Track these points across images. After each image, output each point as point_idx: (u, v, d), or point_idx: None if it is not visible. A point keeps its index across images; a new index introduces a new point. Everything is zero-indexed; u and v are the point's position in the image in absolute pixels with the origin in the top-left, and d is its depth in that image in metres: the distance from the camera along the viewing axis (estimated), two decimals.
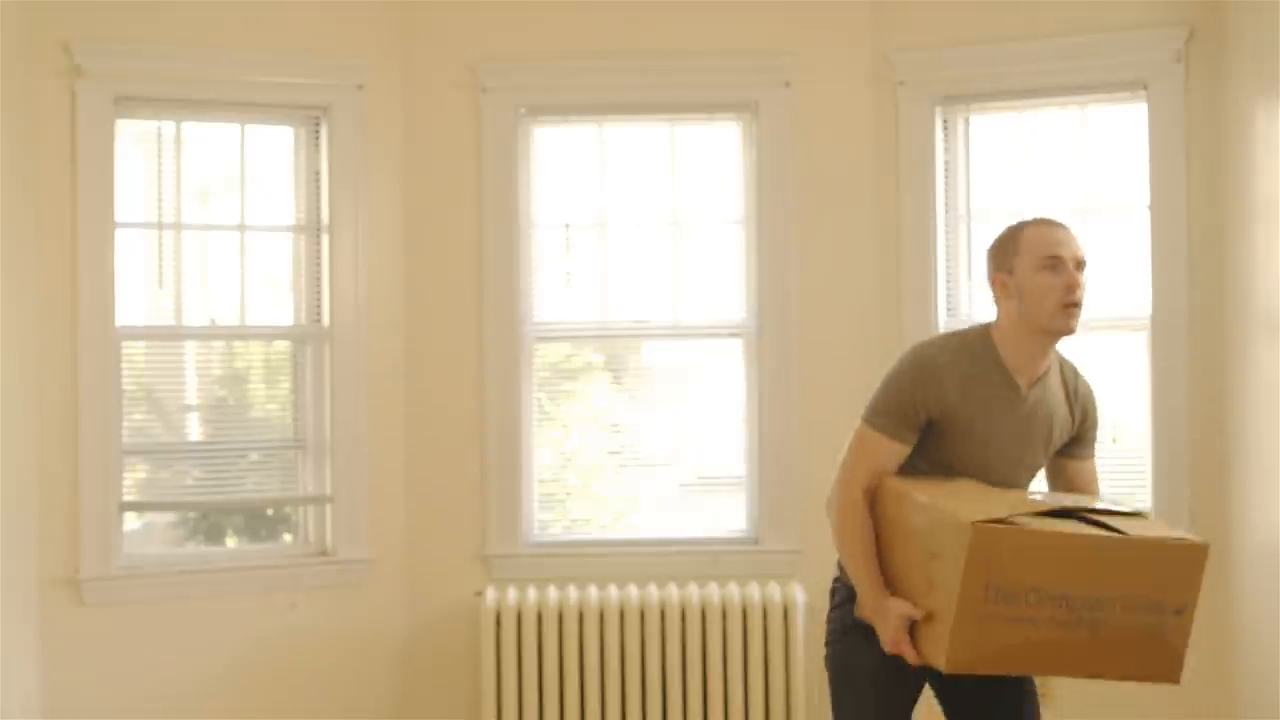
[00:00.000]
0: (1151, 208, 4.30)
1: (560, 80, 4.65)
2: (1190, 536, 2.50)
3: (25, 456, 4.09)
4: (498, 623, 4.34)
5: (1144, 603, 2.46)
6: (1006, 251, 2.73)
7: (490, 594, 4.38)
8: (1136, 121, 4.35)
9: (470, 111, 4.60)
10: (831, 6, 4.61)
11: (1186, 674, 4.51)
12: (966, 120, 4.58)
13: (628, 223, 4.71)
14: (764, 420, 4.58)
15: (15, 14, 4.04)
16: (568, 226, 4.74)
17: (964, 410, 2.67)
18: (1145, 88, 4.31)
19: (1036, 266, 2.66)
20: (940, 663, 2.47)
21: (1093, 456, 2.82)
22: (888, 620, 2.59)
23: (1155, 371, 4.29)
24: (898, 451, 2.69)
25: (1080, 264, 2.69)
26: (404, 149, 4.61)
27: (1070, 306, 2.64)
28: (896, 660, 2.63)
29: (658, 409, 4.75)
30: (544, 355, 4.75)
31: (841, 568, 2.81)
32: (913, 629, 2.56)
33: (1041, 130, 4.54)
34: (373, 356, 4.55)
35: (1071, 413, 2.78)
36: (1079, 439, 2.81)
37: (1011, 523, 2.43)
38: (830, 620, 2.87)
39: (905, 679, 2.71)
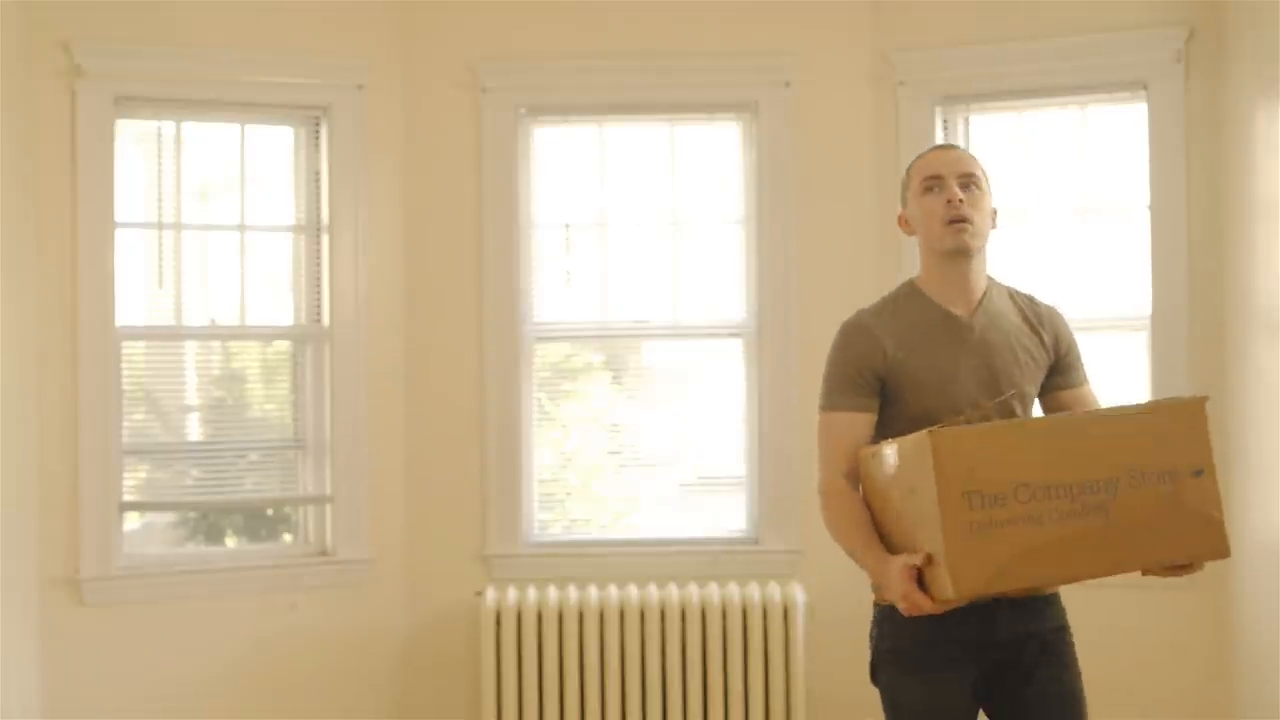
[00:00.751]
0: (1151, 208, 4.30)
1: (560, 80, 4.65)
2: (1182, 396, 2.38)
3: (25, 456, 4.10)
4: (498, 623, 4.34)
5: (1153, 472, 2.28)
6: (902, 187, 2.70)
7: (490, 594, 4.38)
8: (1136, 121, 4.35)
9: (470, 111, 4.60)
10: (831, 6, 4.61)
11: (1187, 674, 4.53)
12: (966, 120, 4.58)
13: (628, 223, 4.71)
14: (764, 420, 4.58)
15: (15, 14, 4.04)
16: (568, 226, 4.74)
17: (909, 359, 2.56)
18: (1145, 88, 4.31)
19: (919, 191, 2.62)
20: (949, 593, 2.23)
21: (1086, 383, 2.67)
22: (891, 579, 2.34)
23: (1155, 371, 4.29)
24: (861, 421, 2.57)
25: (967, 178, 2.60)
26: (404, 149, 4.61)
27: (953, 222, 2.56)
28: (944, 697, 2.50)
29: (658, 409, 4.75)
30: (544, 355, 4.75)
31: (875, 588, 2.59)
32: (923, 581, 2.31)
33: (1041, 130, 4.54)
34: (373, 356, 4.55)
35: (1038, 335, 2.63)
36: (1060, 366, 2.65)
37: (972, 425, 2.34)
38: (870, 646, 2.63)
39: (956, 714, 2.53)
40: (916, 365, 2.55)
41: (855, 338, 2.61)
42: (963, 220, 2.56)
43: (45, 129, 4.21)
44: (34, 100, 4.17)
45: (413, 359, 4.60)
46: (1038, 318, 2.65)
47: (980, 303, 2.62)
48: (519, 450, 4.59)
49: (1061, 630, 2.57)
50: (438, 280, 4.62)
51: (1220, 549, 2.31)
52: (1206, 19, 4.20)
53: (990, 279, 2.67)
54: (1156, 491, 2.28)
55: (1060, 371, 2.64)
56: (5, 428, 3.91)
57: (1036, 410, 2.67)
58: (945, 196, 2.57)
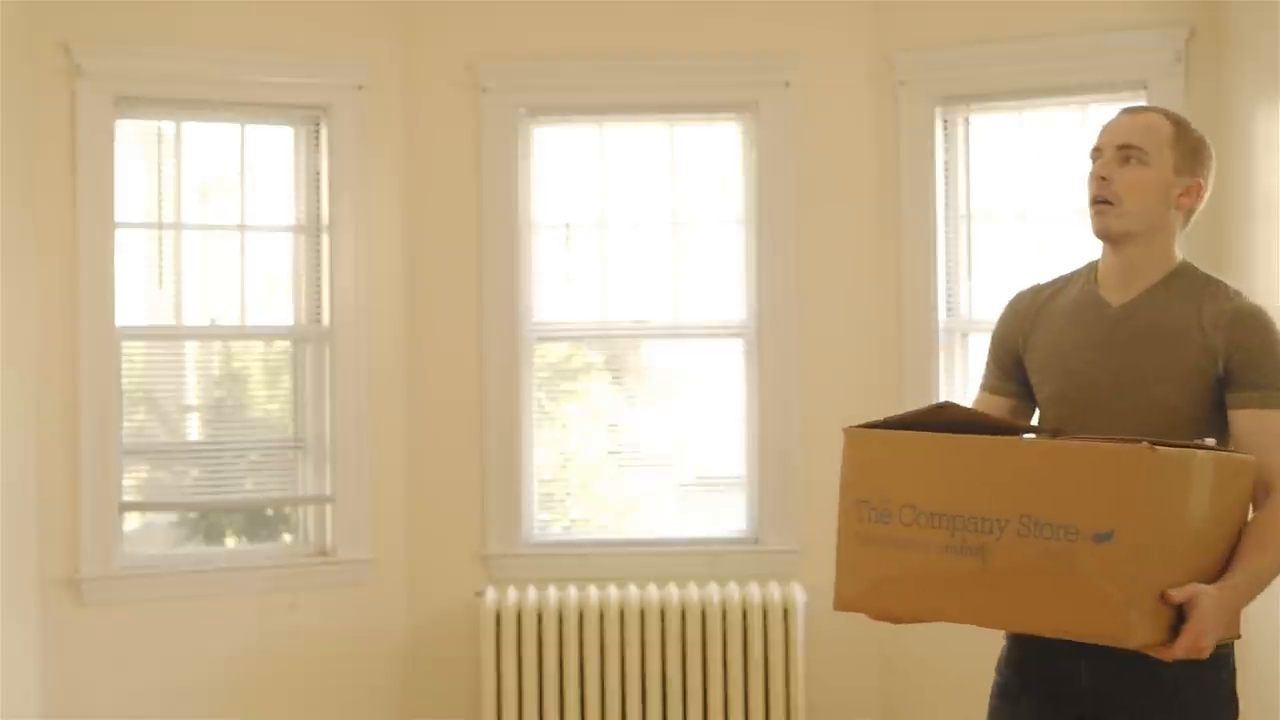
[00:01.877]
0: None
1: (560, 80, 4.65)
2: (1142, 441, 1.90)
3: (25, 456, 4.09)
4: (498, 623, 4.34)
5: (1048, 524, 1.88)
6: None
7: (490, 594, 4.38)
8: None
9: (470, 111, 4.60)
10: (831, 6, 4.61)
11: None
12: (966, 120, 4.58)
13: (628, 223, 4.71)
14: (764, 420, 4.58)
15: (15, 14, 4.04)
16: (568, 226, 4.74)
17: (1041, 337, 2.36)
18: (1145, 88, 4.30)
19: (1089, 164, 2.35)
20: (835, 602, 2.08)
21: (1263, 406, 2.18)
22: None
23: None
24: (990, 402, 2.40)
25: (1126, 150, 2.27)
26: (404, 149, 4.61)
27: (1095, 203, 2.29)
28: None
29: (658, 409, 4.75)
30: (544, 355, 4.75)
31: None
32: None
33: (1041, 130, 4.54)
34: (373, 356, 4.55)
35: (1203, 339, 2.23)
36: (1230, 379, 2.21)
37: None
38: None
39: None
40: (1044, 345, 2.36)
41: (1005, 313, 2.45)
42: (1103, 201, 2.28)
43: (45, 129, 4.21)
44: (34, 100, 4.17)
45: (413, 359, 4.60)
46: (1209, 316, 2.25)
47: (1146, 293, 2.29)
48: (519, 450, 4.59)
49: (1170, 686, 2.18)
50: (438, 280, 4.62)
51: (1118, 632, 1.86)
52: (1206, 19, 4.20)
53: (1184, 268, 2.31)
54: (1046, 548, 1.88)
55: (1229, 387, 2.22)
56: (5, 428, 3.91)
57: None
58: (1094, 173, 2.31)
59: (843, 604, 2.07)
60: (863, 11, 4.60)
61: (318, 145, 4.57)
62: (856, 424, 2.08)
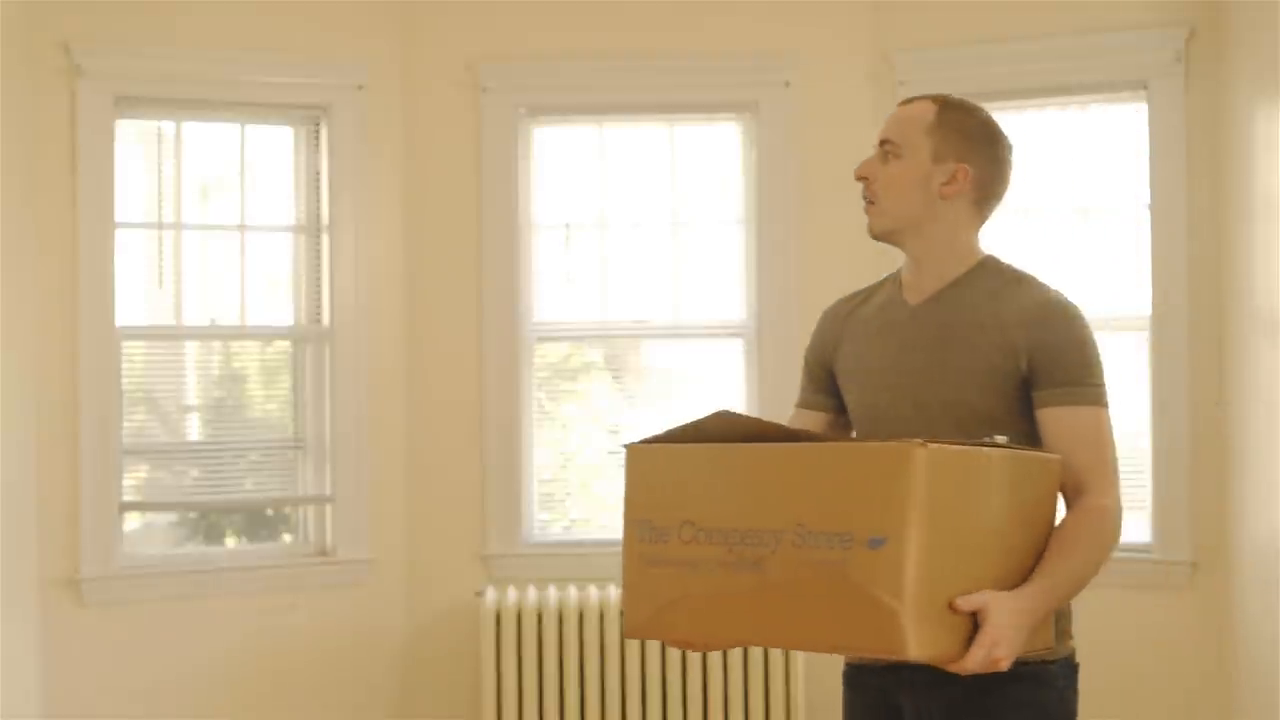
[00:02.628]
0: (1151, 208, 4.30)
1: (560, 80, 4.65)
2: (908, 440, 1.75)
3: (25, 456, 4.10)
4: (498, 623, 4.34)
5: (822, 533, 1.75)
6: None
7: (490, 594, 4.38)
8: (1136, 121, 4.35)
9: (470, 111, 4.60)
10: (831, 6, 4.61)
11: (1186, 674, 4.52)
12: None
13: (628, 223, 4.71)
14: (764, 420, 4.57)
15: (15, 14, 4.04)
16: (568, 226, 4.74)
17: (848, 345, 2.27)
18: (1145, 88, 4.31)
19: None
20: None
21: (1068, 403, 2.05)
22: None
23: (1155, 371, 4.29)
24: (805, 418, 2.32)
25: (885, 146, 2.20)
26: (404, 149, 4.61)
27: (866, 202, 2.21)
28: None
29: (658, 409, 4.75)
30: (544, 355, 4.75)
31: None
32: None
33: (1041, 130, 4.54)
34: (373, 356, 4.55)
35: (1002, 336, 2.08)
36: (1034, 377, 2.07)
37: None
38: None
39: None
40: (848, 354, 2.26)
41: (818, 324, 2.37)
42: (867, 200, 2.22)
43: (45, 129, 4.21)
44: (34, 100, 4.17)
45: (413, 359, 4.61)
46: (1009, 312, 2.10)
47: (942, 291, 2.18)
48: (519, 450, 4.59)
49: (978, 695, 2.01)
50: (438, 280, 4.62)
51: (894, 644, 1.71)
52: (1206, 19, 4.20)
53: (988, 264, 2.20)
54: (822, 558, 1.75)
55: (1034, 385, 2.07)
56: (5, 428, 3.91)
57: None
58: (857, 172, 2.22)
59: (630, 631, 1.94)
60: (863, 11, 4.60)
61: (318, 145, 4.57)
62: (639, 440, 1.96)
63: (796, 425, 2.28)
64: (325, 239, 4.55)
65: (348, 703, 4.52)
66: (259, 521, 4.68)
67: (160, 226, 4.49)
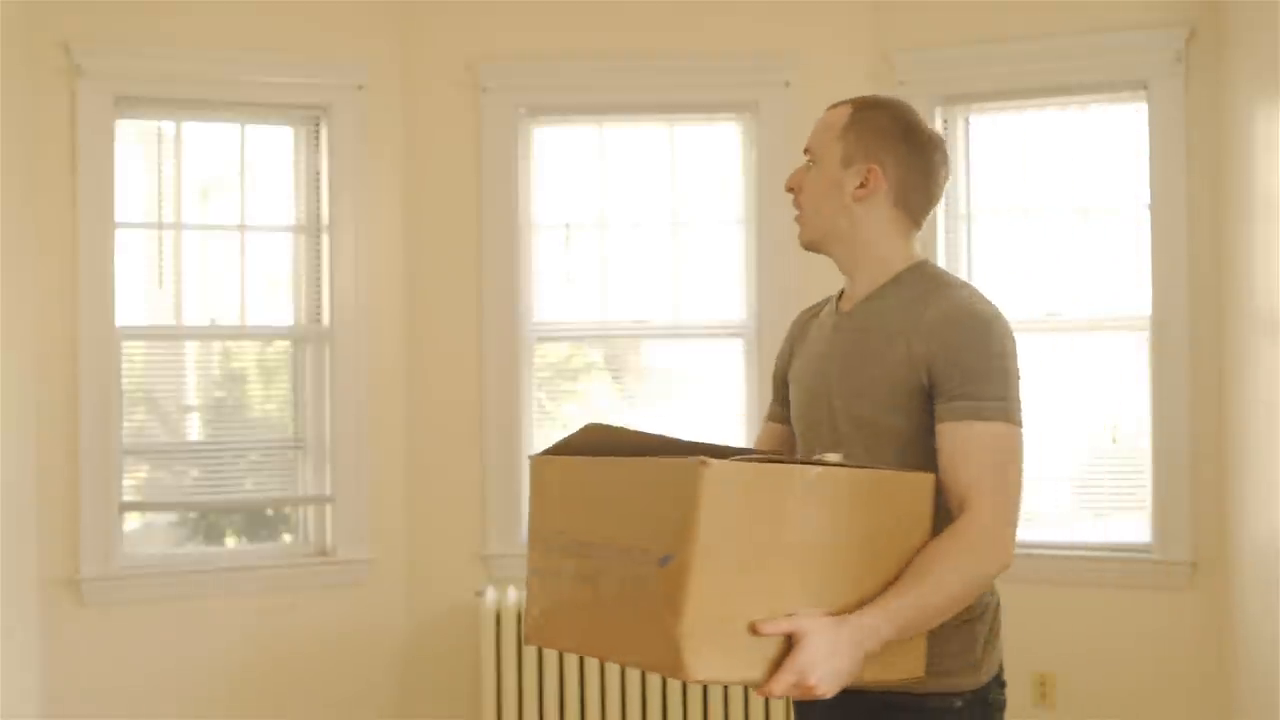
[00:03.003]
0: (1151, 208, 4.30)
1: (560, 80, 4.65)
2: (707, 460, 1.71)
3: (25, 456, 4.10)
4: (498, 623, 4.34)
5: (632, 548, 1.76)
6: None
7: (490, 594, 4.38)
8: (1136, 121, 4.35)
9: (470, 111, 4.60)
10: (831, 6, 4.61)
11: (1186, 674, 4.52)
12: (966, 120, 4.58)
13: (628, 223, 4.71)
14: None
15: (15, 14, 4.04)
16: (568, 226, 4.74)
17: (796, 357, 2.23)
18: (1145, 88, 4.31)
19: None
20: None
21: (960, 418, 1.90)
22: None
23: (1155, 371, 4.29)
24: (768, 431, 2.29)
25: (806, 154, 2.13)
26: (404, 149, 4.61)
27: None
28: None
29: (658, 409, 4.75)
30: (544, 355, 4.75)
31: None
32: None
33: (1041, 130, 4.54)
34: (373, 356, 4.55)
35: (909, 347, 1.97)
36: (934, 389, 1.94)
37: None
38: None
39: None
40: (794, 366, 2.21)
41: (786, 335, 2.32)
42: (797, 210, 2.15)
43: (45, 129, 4.21)
44: (34, 100, 4.17)
45: (413, 359, 4.61)
46: (919, 321, 1.98)
47: (868, 299, 2.09)
48: (519, 450, 4.59)
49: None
50: (438, 280, 4.62)
51: (674, 665, 1.67)
52: (1206, 19, 4.20)
53: (915, 270, 2.09)
54: (633, 574, 1.75)
55: (935, 399, 1.95)
56: (5, 428, 3.91)
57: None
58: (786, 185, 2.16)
59: (533, 639, 1.94)
60: (863, 11, 4.60)
61: (318, 145, 4.57)
62: (541, 451, 1.97)
63: (764, 438, 2.27)
64: (325, 239, 4.55)
65: (348, 703, 4.52)
66: (259, 521, 4.68)
67: (160, 226, 4.49)
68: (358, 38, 4.57)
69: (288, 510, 4.66)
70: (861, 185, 2.05)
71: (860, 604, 1.78)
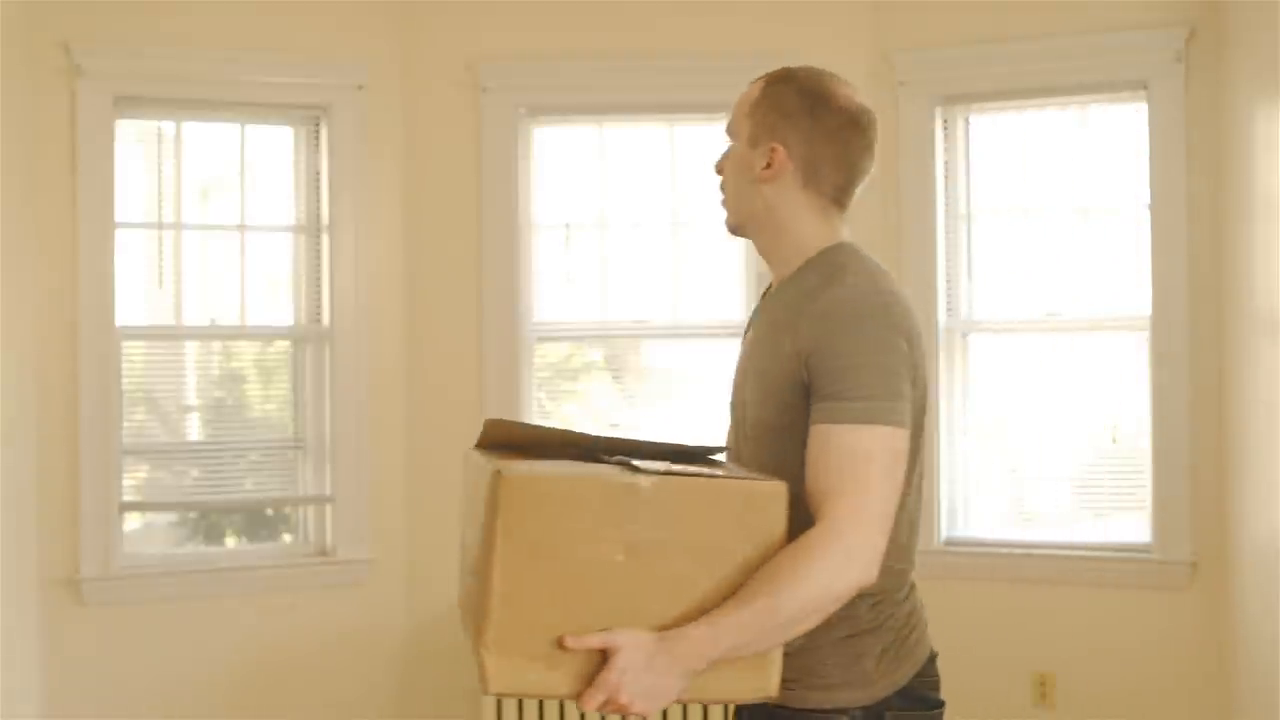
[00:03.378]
0: (1151, 208, 4.30)
1: (560, 80, 4.65)
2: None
3: (25, 456, 4.09)
4: None
5: (471, 554, 1.81)
6: None
7: None
8: (1136, 121, 4.35)
9: (470, 111, 4.60)
10: (831, 6, 4.61)
11: (1186, 674, 4.52)
12: (966, 120, 4.58)
13: (628, 223, 4.71)
14: None
15: (15, 14, 4.04)
16: (568, 226, 4.74)
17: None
18: (1145, 88, 4.31)
19: None
20: None
21: (825, 420, 1.76)
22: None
23: (1155, 371, 4.29)
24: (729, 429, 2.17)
25: (728, 138, 2.04)
26: (404, 149, 4.61)
27: None
28: None
29: (658, 409, 4.75)
30: (544, 355, 4.75)
31: None
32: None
33: (1041, 130, 4.54)
34: (373, 356, 4.55)
35: (794, 341, 1.83)
36: (810, 387, 1.80)
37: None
38: None
39: None
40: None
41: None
42: (722, 195, 2.04)
43: (45, 129, 4.21)
44: (34, 100, 4.17)
45: (413, 359, 4.60)
46: (812, 314, 1.83)
47: (779, 288, 1.98)
48: None
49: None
50: (438, 280, 4.62)
51: (480, 676, 1.68)
52: (1206, 19, 4.20)
53: (823, 256, 1.93)
54: (473, 580, 1.77)
55: (810, 395, 1.81)
56: (5, 428, 3.91)
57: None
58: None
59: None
60: (863, 11, 4.60)
61: (318, 145, 4.57)
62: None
63: (729, 433, 2.08)
64: (325, 239, 4.54)
65: (348, 702, 4.51)
66: (259, 521, 4.68)
67: (160, 226, 4.49)
68: (358, 38, 4.57)
69: (288, 510, 4.66)
70: (767, 166, 1.94)
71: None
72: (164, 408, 4.57)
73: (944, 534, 4.51)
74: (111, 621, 4.27)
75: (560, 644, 1.66)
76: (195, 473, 4.57)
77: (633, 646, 1.66)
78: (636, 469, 1.70)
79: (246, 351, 4.68)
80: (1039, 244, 4.49)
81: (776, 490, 1.71)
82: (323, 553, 4.55)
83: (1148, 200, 4.31)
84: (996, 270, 4.56)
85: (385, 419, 4.56)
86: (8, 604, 3.91)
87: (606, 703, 1.67)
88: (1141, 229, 4.34)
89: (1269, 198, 3.78)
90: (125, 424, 4.36)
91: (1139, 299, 4.34)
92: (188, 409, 4.62)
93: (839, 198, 1.97)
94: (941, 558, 4.47)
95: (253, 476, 4.60)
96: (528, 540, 1.65)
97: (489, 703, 4.32)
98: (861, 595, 1.78)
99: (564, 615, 1.67)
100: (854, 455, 1.73)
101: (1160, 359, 4.27)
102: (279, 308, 4.65)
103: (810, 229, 1.94)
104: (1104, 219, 4.46)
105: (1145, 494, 4.32)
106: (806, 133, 1.93)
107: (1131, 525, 4.39)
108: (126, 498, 4.38)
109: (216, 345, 4.62)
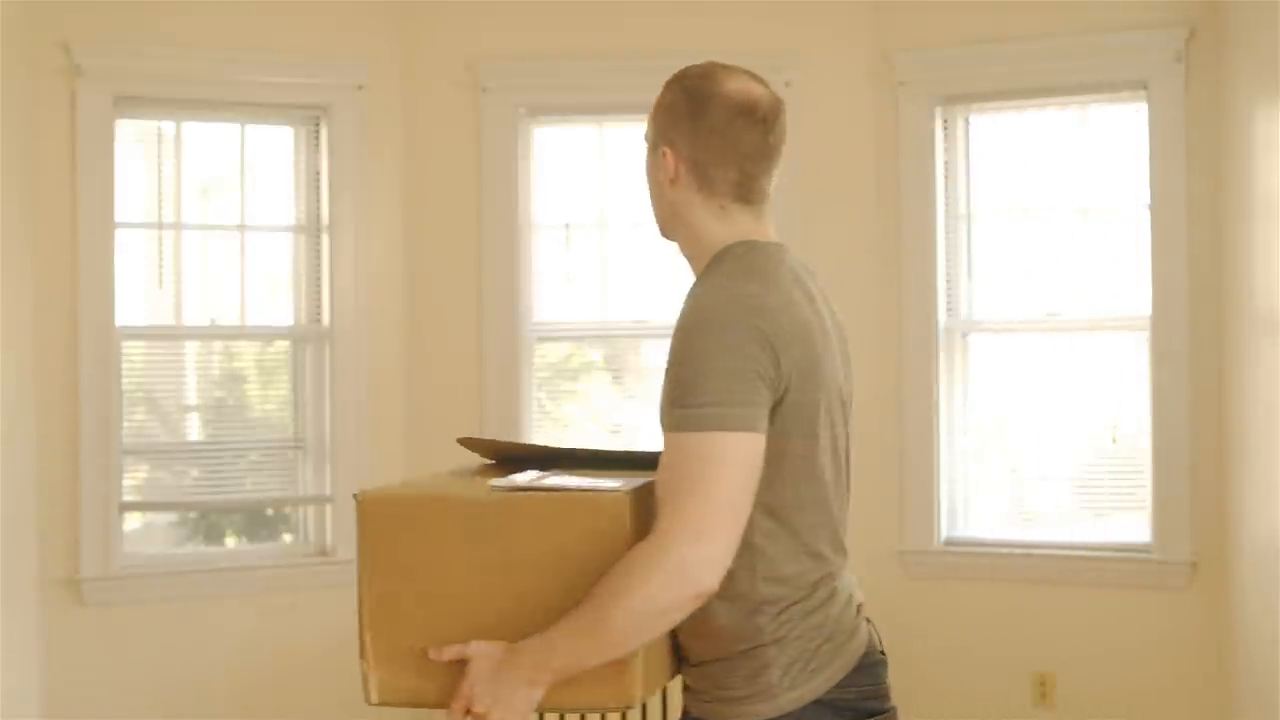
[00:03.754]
0: (1151, 208, 4.30)
1: (560, 80, 4.65)
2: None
3: (25, 456, 4.09)
4: None
5: None
6: None
7: None
8: (1136, 121, 4.35)
9: (470, 111, 4.60)
10: (831, 6, 4.61)
11: (1186, 674, 4.52)
12: (966, 120, 4.58)
13: (628, 223, 4.71)
14: None
15: (15, 14, 4.04)
16: (568, 226, 4.74)
17: None
18: (1145, 88, 4.31)
19: None
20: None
21: (669, 429, 1.74)
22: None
23: (1155, 371, 4.29)
24: None
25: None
26: (404, 149, 4.61)
27: None
28: None
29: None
30: (544, 355, 4.75)
31: None
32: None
33: (1041, 130, 4.54)
34: (373, 356, 4.55)
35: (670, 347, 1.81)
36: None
37: None
38: None
39: None
40: None
41: None
42: None
43: (45, 129, 4.21)
44: (34, 100, 4.17)
45: (413, 359, 4.60)
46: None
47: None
48: None
49: None
50: (438, 280, 4.62)
51: (365, 693, 1.88)
52: (1206, 19, 4.20)
53: (716, 258, 1.90)
54: None
55: None
56: (5, 428, 3.91)
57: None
58: None
59: None
60: (863, 11, 4.60)
61: (318, 145, 4.57)
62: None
63: None
64: (325, 239, 4.54)
65: (348, 703, 4.50)
66: (259, 521, 4.68)
67: (160, 226, 4.49)
68: (358, 38, 4.57)
69: (288, 510, 4.66)
70: (665, 169, 1.95)
71: None
72: (164, 408, 4.57)
73: (944, 534, 4.51)
74: (111, 621, 4.27)
75: (428, 656, 1.76)
76: (195, 473, 4.57)
77: (482, 657, 1.73)
78: (496, 487, 1.78)
79: (246, 351, 4.68)
80: (1039, 244, 4.49)
81: (618, 499, 1.73)
82: (323, 553, 4.55)
83: (1148, 200, 4.31)
84: (996, 270, 4.56)
85: (385, 419, 4.56)
86: (8, 604, 3.91)
87: (467, 713, 1.73)
88: (1141, 229, 4.34)
89: (1269, 198, 3.78)
90: (125, 424, 4.36)
91: (1139, 299, 4.34)
92: (188, 409, 4.62)
93: (739, 194, 1.91)
94: (941, 558, 4.47)
95: (253, 476, 4.60)
96: (391, 559, 1.78)
97: None
98: (763, 605, 1.77)
99: (433, 629, 1.76)
100: (688, 463, 1.69)
101: (1160, 359, 4.27)
102: (279, 308, 4.65)
103: (711, 230, 1.92)
104: (1104, 219, 4.46)
105: (1145, 494, 4.32)
106: (690, 133, 1.92)
107: (1131, 525, 4.39)
108: (126, 498, 4.38)
109: (216, 345, 4.62)
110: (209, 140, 4.59)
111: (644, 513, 1.73)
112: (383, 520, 1.80)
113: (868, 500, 4.60)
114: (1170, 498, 4.24)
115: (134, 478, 4.46)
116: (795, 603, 1.80)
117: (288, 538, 4.65)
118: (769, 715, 1.79)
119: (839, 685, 1.81)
